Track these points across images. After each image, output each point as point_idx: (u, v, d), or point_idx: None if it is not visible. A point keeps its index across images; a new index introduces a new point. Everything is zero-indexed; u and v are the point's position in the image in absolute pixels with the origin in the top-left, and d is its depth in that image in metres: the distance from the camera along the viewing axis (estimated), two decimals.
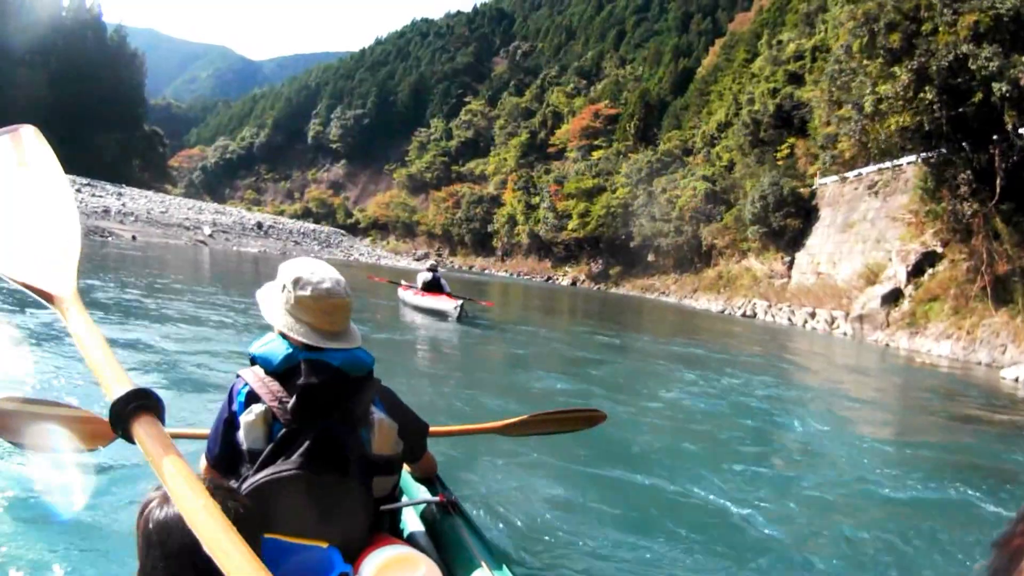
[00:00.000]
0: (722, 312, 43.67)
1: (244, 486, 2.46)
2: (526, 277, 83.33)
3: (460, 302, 17.71)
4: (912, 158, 31.72)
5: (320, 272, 2.80)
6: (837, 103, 31.79)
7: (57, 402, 3.79)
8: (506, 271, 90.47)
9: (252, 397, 2.68)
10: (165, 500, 1.77)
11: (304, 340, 2.71)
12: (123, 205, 52.69)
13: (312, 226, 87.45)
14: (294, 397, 2.60)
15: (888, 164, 35.98)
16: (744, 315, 41.34)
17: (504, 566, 2.79)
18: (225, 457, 2.69)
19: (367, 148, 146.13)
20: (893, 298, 29.60)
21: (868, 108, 25.45)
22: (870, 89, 25.13)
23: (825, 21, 56.48)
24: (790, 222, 44.75)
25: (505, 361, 13.52)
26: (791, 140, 52.06)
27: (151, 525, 1.77)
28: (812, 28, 60.72)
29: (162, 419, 1.87)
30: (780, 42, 63.43)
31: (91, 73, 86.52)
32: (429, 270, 20.29)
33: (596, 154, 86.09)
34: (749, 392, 11.60)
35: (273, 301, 2.83)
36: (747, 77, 67.46)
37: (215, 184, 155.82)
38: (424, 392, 8.31)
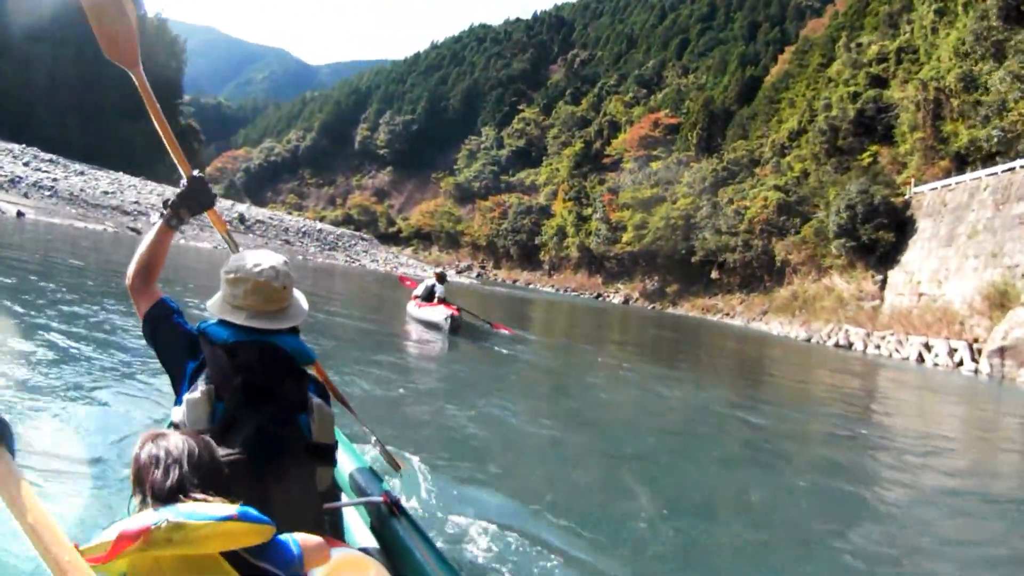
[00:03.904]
0: (808, 340, 38.83)
1: None
2: (574, 293, 79.91)
3: (450, 312, 16.89)
4: None
5: (259, 259, 2.89)
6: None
7: None
8: (552, 286, 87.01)
9: (198, 374, 2.73)
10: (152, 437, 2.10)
11: (241, 323, 2.78)
12: (46, 178, 44.91)
13: (320, 226, 77.92)
14: (238, 378, 2.66)
15: (998, 168, 33.29)
16: (837, 345, 36.19)
17: (451, 568, 2.80)
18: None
19: (415, 155, 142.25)
20: None
21: None
22: None
23: (911, 21, 55.61)
24: (882, 235, 40.66)
25: (516, 409, 9.68)
26: (874, 148, 49.40)
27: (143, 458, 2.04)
28: (896, 29, 59.30)
29: (11, 450, 1.97)
30: (860, 45, 61.46)
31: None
32: (436, 278, 19.45)
33: (655, 164, 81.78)
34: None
35: (218, 295, 2.90)
36: (823, 82, 65.30)
37: (257, 187, 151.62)
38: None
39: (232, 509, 1.85)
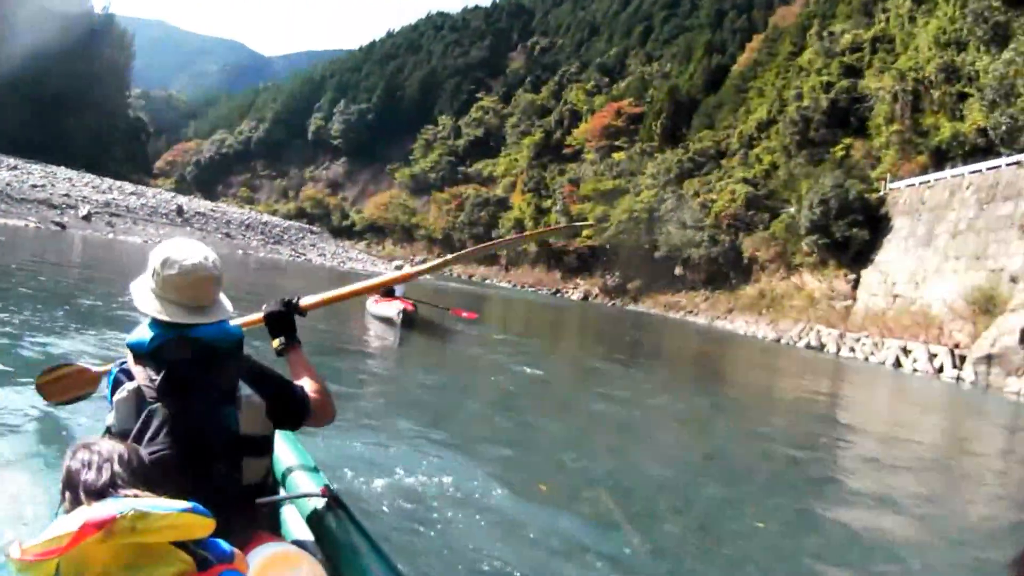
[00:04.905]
0: (777, 341, 37.62)
1: None
2: (532, 289, 77.92)
3: (403, 307, 16.90)
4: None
5: (188, 249, 2.87)
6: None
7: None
8: (510, 282, 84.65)
9: (122, 379, 2.76)
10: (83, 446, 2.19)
11: (170, 318, 2.77)
12: None
13: (265, 218, 76.03)
14: (160, 374, 2.68)
15: (982, 165, 32.35)
16: (808, 346, 35.07)
17: (389, 563, 2.77)
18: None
19: (369, 146, 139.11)
20: None
21: None
22: None
23: (887, 10, 54.82)
24: (856, 232, 39.20)
25: (457, 397, 10.80)
26: (847, 140, 48.03)
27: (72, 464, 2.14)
28: (871, 18, 58.35)
29: None
30: (833, 33, 59.86)
31: (69, 49, 78.38)
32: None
33: (617, 155, 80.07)
34: None
35: (143, 287, 2.87)
36: (794, 71, 63.67)
37: (208, 180, 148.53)
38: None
39: (186, 504, 1.95)
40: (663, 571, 5.11)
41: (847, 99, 49.23)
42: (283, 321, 3.32)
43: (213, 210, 64.35)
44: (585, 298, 69.40)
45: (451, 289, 47.44)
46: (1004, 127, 26.74)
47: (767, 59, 74.99)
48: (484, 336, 20.27)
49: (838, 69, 52.95)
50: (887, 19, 53.91)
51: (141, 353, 2.74)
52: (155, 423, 2.60)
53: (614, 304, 64.38)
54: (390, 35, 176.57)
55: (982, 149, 34.49)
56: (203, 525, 1.95)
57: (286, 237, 66.18)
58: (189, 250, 2.83)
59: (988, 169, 31.64)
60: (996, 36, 30.27)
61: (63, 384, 4.19)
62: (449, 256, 4.47)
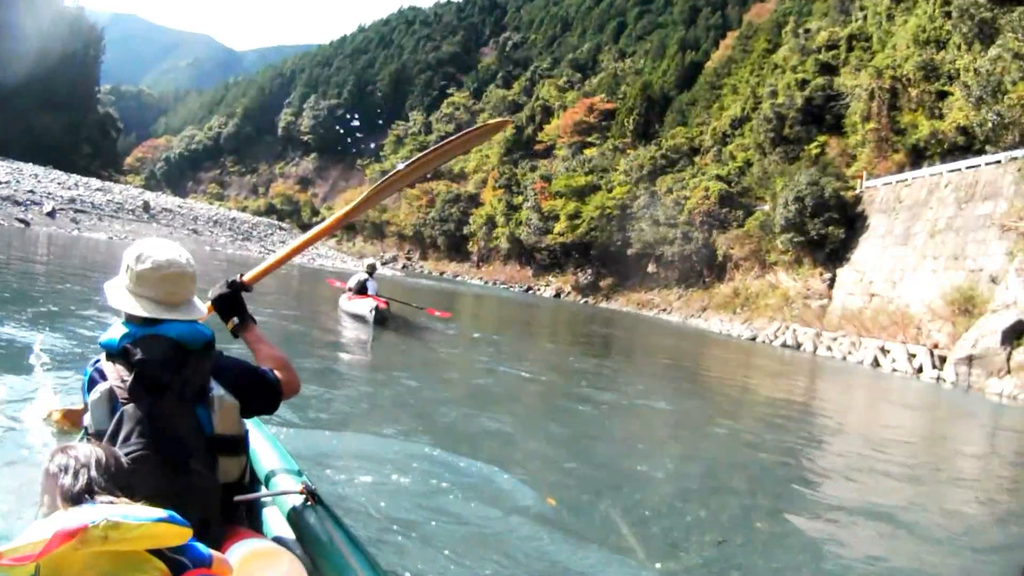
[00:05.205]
0: (753, 339, 37.19)
1: None
2: (504, 286, 77.23)
3: (376, 304, 16.85)
4: (1005, 155, 28.55)
5: (162, 247, 2.93)
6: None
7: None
8: (481, 279, 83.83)
9: (96, 378, 2.77)
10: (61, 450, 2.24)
11: (144, 314, 2.80)
12: None
13: (233, 214, 75.88)
14: (131, 374, 2.70)
15: (961, 164, 32.12)
16: (784, 345, 34.63)
17: (369, 560, 2.77)
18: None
19: (340, 141, 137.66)
20: (1015, 334, 22.81)
21: None
22: None
23: (864, 8, 55.12)
24: (832, 230, 38.73)
25: (432, 397, 10.55)
26: (822, 138, 47.75)
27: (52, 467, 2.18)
28: (847, 15, 58.76)
29: None
30: (808, 31, 60.39)
31: (38, 43, 76.92)
32: (367, 271, 19.67)
33: (589, 152, 79.59)
34: None
35: (117, 284, 2.90)
36: (768, 68, 63.77)
37: (178, 176, 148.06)
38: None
39: (162, 512, 1.97)
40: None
41: (822, 97, 48.85)
42: (232, 301, 3.32)
43: (180, 206, 63.71)
44: (557, 295, 68.79)
45: (422, 286, 47.52)
46: (991, 124, 26.44)
47: (741, 56, 74.99)
48: (458, 335, 20.08)
49: (813, 66, 52.66)
50: (864, 17, 53.96)
51: (113, 352, 2.76)
52: (128, 424, 2.60)
53: (586, 302, 63.78)
54: (361, 29, 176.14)
55: (961, 148, 34.26)
56: (178, 534, 1.97)
57: (255, 234, 65.36)
58: (163, 247, 2.91)
59: (967, 168, 31.39)
60: (981, 33, 30.01)
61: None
62: (377, 184, 4.28)
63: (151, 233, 44.50)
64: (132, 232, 43.48)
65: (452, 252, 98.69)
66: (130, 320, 2.84)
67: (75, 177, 56.11)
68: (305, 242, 4.08)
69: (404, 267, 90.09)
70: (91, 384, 2.75)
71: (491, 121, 4.62)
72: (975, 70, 29.98)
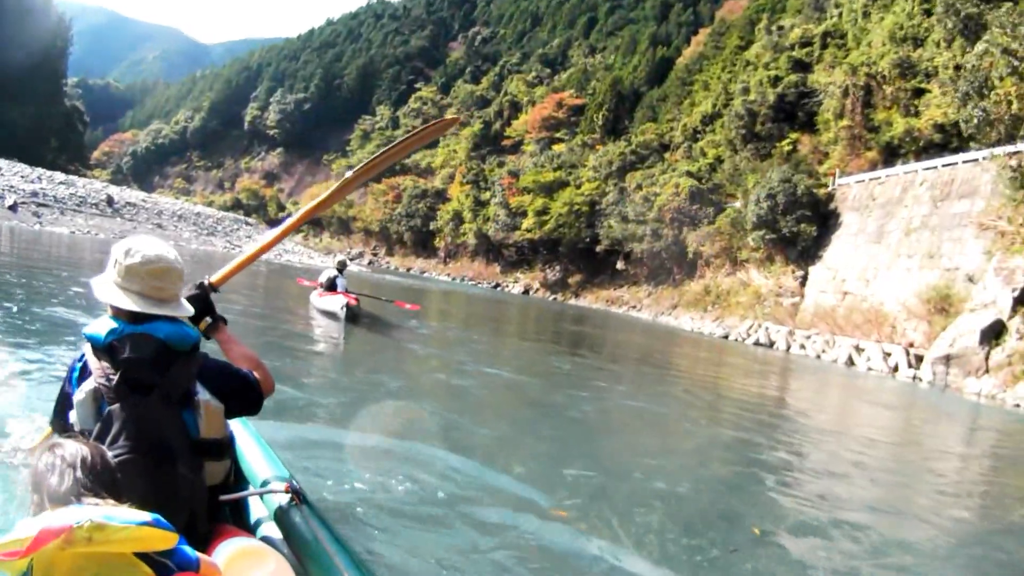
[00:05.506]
0: (725, 337, 36.83)
1: None
2: (471, 282, 76.67)
3: (346, 301, 16.98)
4: (982, 154, 28.05)
5: (151, 243, 2.94)
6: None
7: None
8: (448, 275, 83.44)
9: (85, 373, 2.77)
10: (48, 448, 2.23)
11: (132, 308, 2.79)
12: None
13: (198, 209, 75.20)
14: (118, 374, 2.69)
15: (937, 162, 31.87)
16: (757, 343, 34.24)
17: (353, 558, 2.78)
18: (64, 432, 2.76)
19: (306, 136, 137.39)
20: (994, 333, 22.57)
21: None
22: None
23: (839, 5, 54.88)
24: (804, 228, 38.31)
25: (408, 394, 10.69)
26: (794, 135, 47.23)
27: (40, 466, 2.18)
28: (822, 12, 58.47)
29: None
30: (782, 28, 59.74)
31: (4, 34, 76.00)
32: (337, 267, 19.60)
33: (558, 147, 79.29)
34: None
35: (105, 278, 2.89)
36: (741, 65, 63.10)
37: (144, 171, 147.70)
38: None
39: (147, 516, 1.97)
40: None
41: (795, 94, 48.34)
42: (202, 302, 3.24)
43: (144, 201, 62.98)
44: (526, 292, 68.35)
45: (389, 282, 46.66)
46: (976, 120, 26.14)
47: (713, 52, 74.63)
48: (430, 332, 20.35)
49: (787, 63, 52.21)
50: (840, 14, 53.69)
51: (98, 346, 2.74)
52: (115, 426, 2.61)
53: (555, 298, 63.37)
54: (330, 23, 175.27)
55: (936, 145, 33.94)
56: (164, 538, 1.97)
57: (220, 228, 64.87)
58: (152, 243, 2.91)
59: (944, 166, 31.11)
60: (966, 29, 29.72)
61: None
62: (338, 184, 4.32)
63: (114, 228, 44.84)
64: (95, 227, 43.25)
65: (419, 248, 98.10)
66: (117, 315, 2.81)
67: (39, 170, 55.41)
68: (270, 242, 4.06)
69: (370, 263, 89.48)
70: (79, 378, 2.75)
71: (442, 119, 4.77)
72: (956, 67, 29.69)
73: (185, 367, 2.80)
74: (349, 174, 4.24)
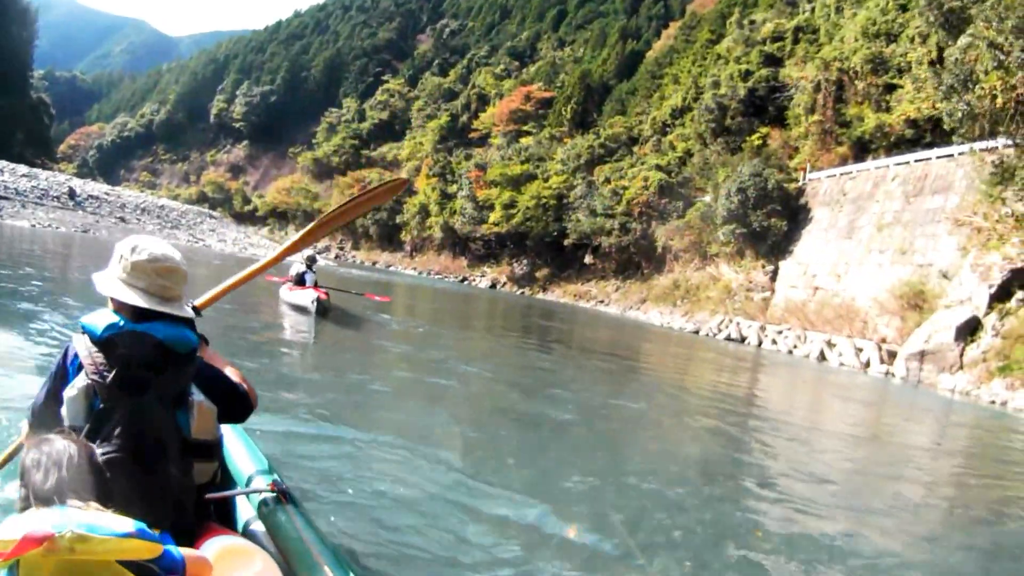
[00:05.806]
0: (696, 332, 36.71)
1: None
2: (438, 276, 76.25)
3: (317, 295, 17.02)
4: (957, 149, 28.08)
5: (157, 242, 2.96)
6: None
7: None
8: (415, 269, 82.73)
9: (71, 363, 2.77)
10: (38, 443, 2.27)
11: (138, 303, 2.79)
12: None
13: (162, 202, 75.06)
14: (113, 371, 2.68)
15: (909, 157, 31.87)
16: (728, 339, 34.09)
17: (339, 558, 2.81)
18: (50, 425, 2.67)
19: (272, 128, 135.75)
20: (970, 330, 22.65)
21: None
22: None
23: (812, 0, 54.84)
24: (774, 222, 38.08)
25: (383, 391, 10.77)
26: (764, 130, 47.04)
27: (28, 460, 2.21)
28: (794, 7, 58.28)
29: None
30: (754, 22, 59.39)
31: None
32: (306, 262, 19.44)
33: (525, 140, 78.56)
34: None
35: (108, 273, 2.90)
36: (711, 59, 62.33)
37: (110, 165, 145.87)
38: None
39: (130, 526, 2.00)
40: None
41: (766, 88, 48.28)
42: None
43: (107, 193, 62.79)
44: (493, 286, 67.81)
45: (355, 276, 46.89)
46: (960, 114, 25.91)
47: (684, 46, 74.00)
48: (398, 327, 20.34)
49: (758, 58, 51.96)
50: (812, 9, 53.66)
51: (94, 339, 2.72)
52: (108, 425, 2.61)
53: (523, 293, 62.95)
54: (297, 15, 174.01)
55: (908, 141, 33.79)
56: (147, 549, 1.98)
57: (184, 222, 64.93)
58: (157, 243, 2.94)
59: (916, 161, 31.04)
60: (947, 23, 29.53)
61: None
62: (309, 226, 4.64)
63: (75, 221, 45.08)
64: (56, 220, 43.07)
65: (384, 242, 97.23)
66: (119, 311, 2.80)
67: (1, 162, 54.77)
68: (250, 274, 4.07)
69: (337, 257, 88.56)
70: (68, 371, 2.72)
71: (390, 181, 5.09)
72: (931, 62, 29.58)
73: (182, 369, 2.80)
74: (293, 237, 4.47)
